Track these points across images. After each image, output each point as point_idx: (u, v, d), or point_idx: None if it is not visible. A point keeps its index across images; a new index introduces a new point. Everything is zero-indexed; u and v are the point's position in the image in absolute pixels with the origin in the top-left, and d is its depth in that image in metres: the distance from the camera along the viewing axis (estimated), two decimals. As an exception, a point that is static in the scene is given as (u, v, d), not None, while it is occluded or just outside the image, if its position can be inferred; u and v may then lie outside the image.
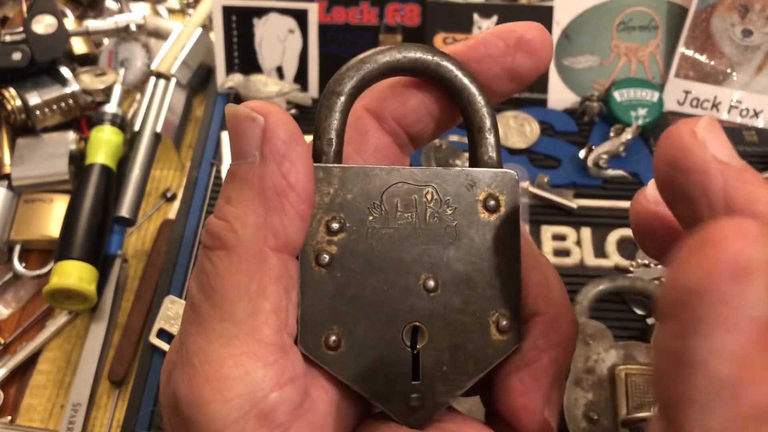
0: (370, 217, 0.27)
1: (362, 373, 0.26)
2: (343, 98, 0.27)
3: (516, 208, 0.28)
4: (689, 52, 0.77)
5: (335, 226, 0.26)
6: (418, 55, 0.27)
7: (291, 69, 0.79)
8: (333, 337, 0.26)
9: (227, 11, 0.77)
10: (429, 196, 0.27)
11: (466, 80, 0.28)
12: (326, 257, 0.26)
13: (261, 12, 0.77)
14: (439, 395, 0.27)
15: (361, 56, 0.27)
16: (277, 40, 0.78)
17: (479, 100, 0.28)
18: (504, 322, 0.27)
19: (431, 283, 0.27)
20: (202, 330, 0.23)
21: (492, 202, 0.27)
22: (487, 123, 0.28)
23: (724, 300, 0.16)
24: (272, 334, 0.23)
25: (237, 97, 0.78)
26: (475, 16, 0.78)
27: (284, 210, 0.23)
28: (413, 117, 0.28)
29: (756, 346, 0.16)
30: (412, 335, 0.26)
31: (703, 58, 0.77)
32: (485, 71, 0.27)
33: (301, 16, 0.77)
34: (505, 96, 0.29)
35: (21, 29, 0.75)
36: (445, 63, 0.27)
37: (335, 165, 0.27)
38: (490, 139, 0.28)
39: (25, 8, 0.79)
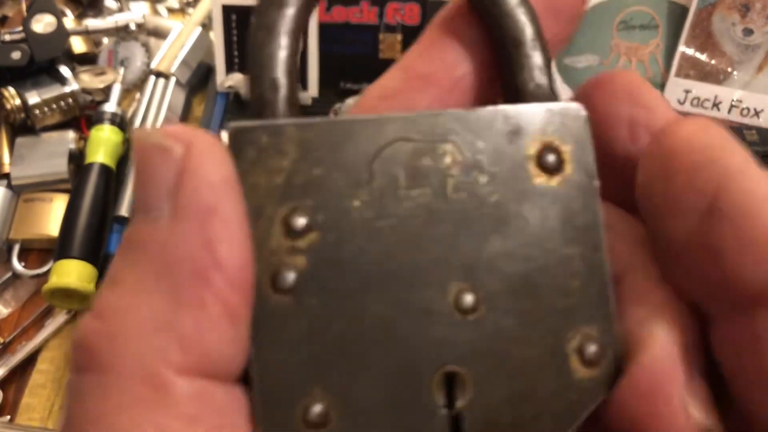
0: (356, 202, 0.17)
1: None
2: (291, 8, 0.18)
3: (590, 164, 0.18)
4: (690, 52, 0.77)
5: (299, 222, 0.16)
6: None
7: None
8: (316, 407, 0.16)
9: (227, 10, 0.77)
10: (449, 159, 0.17)
11: None
12: (290, 276, 0.16)
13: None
14: None
15: None
16: (276, 40, 0.78)
17: None
18: (592, 348, 0.17)
19: (468, 299, 0.17)
20: None
21: (551, 158, 0.18)
22: (528, 32, 0.18)
23: None
24: None
25: (237, 97, 0.78)
26: (475, 16, 0.78)
27: (203, 305, 0.14)
28: (459, 81, 0.20)
29: None
30: (446, 388, 0.17)
31: (703, 58, 0.77)
32: None
33: (300, 15, 0.77)
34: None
35: (20, 28, 0.75)
36: None
37: (288, 121, 0.17)
38: (536, 57, 0.18)
39: (24, 7, 0.79)
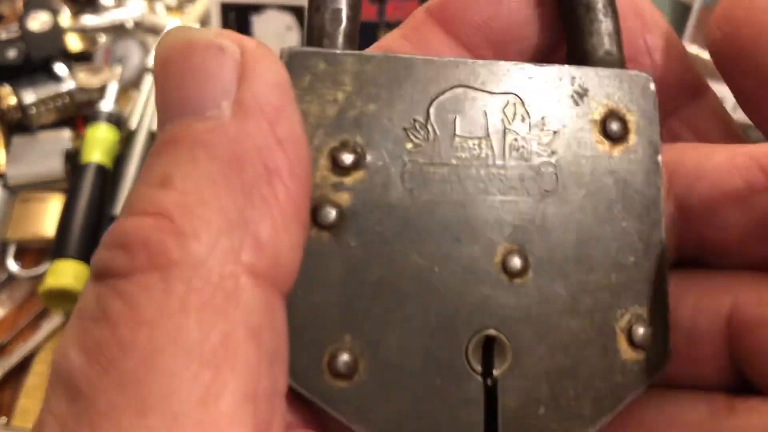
0: (409, 144, 0.16)
1: (396, 419, 0.16)
2: None
3: (655, 136, 0.18)
4: (694, 49, 0.76)
5: (348, 158, 0.16)
6: None
7: (289, 66, 0.78)
8: (344, 356, 0.15)
9: (225, 8, 0.76)
10: (510, 112, 0.17)
11: None
12: (332, 213, 0.16)
13: (259, 9, 0.76)
14: None
15: None
16: (275, 37, 0.77)
17: None
18: (641, 330, 0.16)
19: (516, 262, 0.16)
20: None
21: (615, 125, 0.17)
22: None
23: None
24: None
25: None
26: (476, 13, 0.77)
27: (278, 203, 0.14)
28: (506, 30, 0.18)
29: None
30: (484, 352, 0.16)
31: (707, 56, 0.76)
32: None
33: (299, 13, 0.76)
34: None
35: (16, 26, 0.74)
36: None
37: (347, 52, 0.16)
38: (607, 23, 0.18)
39: (20, 5, 0.79)
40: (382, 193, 0.16)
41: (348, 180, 0.16)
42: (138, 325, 0.13)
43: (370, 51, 0.17)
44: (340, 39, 0.17)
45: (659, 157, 0.17)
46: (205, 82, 0.14)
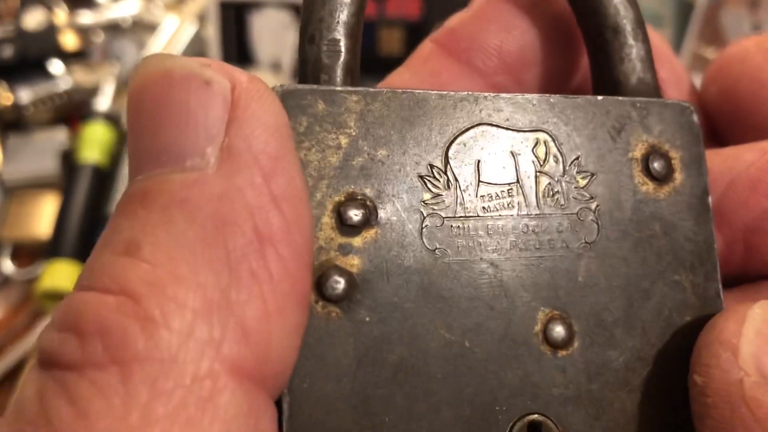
0: (427, 195, 0.14)
1: None
2: None
3: (703, 175, 0.16)
4: (698, 47, 0.76)
5: (356, 214, 0.13)
6: None
7: (289, 64, 0.78)
8: None
9: (223, 6, 0.75)
10: (541, 152, 0.15)
11: None
12: (340, 283, 0.13)
13: (257, 7, 0.76)
14: None
15: None
16: (273, 35, 0.76)
17: None
18: None
19: (559, 331, 0.14)
20: None
21: (658, 164, 0.15)
22: (630, 17, 0.16)
23: None
24: None
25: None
26: (477, 11, 0.76)
27: (270, 279, 0.11)
28: (521, 52, 0.17)
29: None
30: None
31: (711, 53, 0.76)
32: None
33: (298, 11, 0.75)
34: None
35: (12, 24, 0.74)
36: None
37: (350, 88, 0.14)
38: (639, 47, 0.16)
39: (16, 3, 0.78)
40: (399, 255, 0.13)
41: (357, 241, 0.13)
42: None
43: (376, 88, 0.14)
44: (340, 74, 0.14)
45: (709, 199, 0.15)
46: (187, 123, 0.12)
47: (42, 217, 0.70)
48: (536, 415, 0.14)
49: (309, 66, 0.15)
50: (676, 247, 0.15)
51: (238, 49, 0.77)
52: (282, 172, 0.12)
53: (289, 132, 0.13)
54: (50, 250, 0.65)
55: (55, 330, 0.11)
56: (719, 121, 0.19)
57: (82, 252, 0.65)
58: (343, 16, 0.15)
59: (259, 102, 0.12)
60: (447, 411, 0.13)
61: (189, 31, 0.81)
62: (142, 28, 0.84)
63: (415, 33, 0.75)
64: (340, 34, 0.15)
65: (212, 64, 0.12)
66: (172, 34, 0.81)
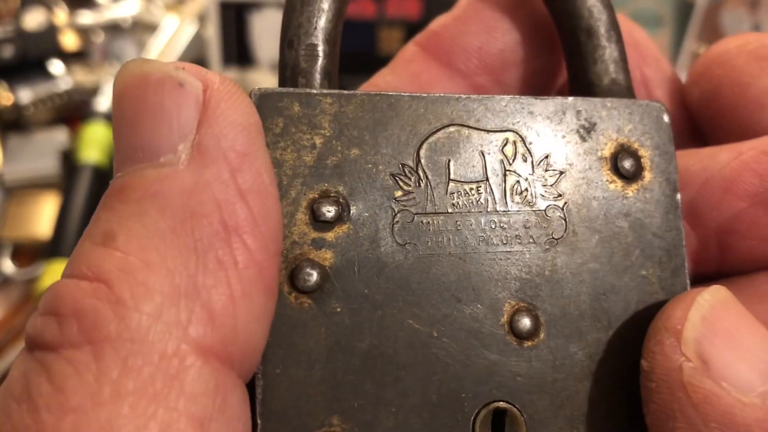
0: (398, 192, 0.15)
1: None
2: None
3: (672, 173, 0.16)
4: (697, 47, 0.76)
5: (329, 210, 0.14)
6: None
7: (288, 64, 0.78)
8: None
9: (223, 6, 0.75)
10: (509, 151, 0.15)
11: None
12: (313, 275, 0.14)
13: (257, 7, 0.76)
14: None
15: None
16: (273, 35, 0.76)
17: None
18: None
19: (525, 322, 0.15)
20: None
21: (627, 163, 0.16)
22: (604, 20, 0.16)
23: None
24: None
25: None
26: (477, 11, 0.76)
27: (235, 267, 0.12)
28: (502, 53, 0.18)
29: None
30: (494, 428, 0.14)
31: (710, 54, 0.76)
32: None
33: (298, 11, 0.76)
34: None
35: (12, 24, 0.74)
36: None
37: (325, 91, 0.15)
38: (612, 49, 0.16)
39: (16, 3, 0.78)
40: (370, 249, 0.14)
41: (330, 235, 0.14)
42: (64, 412, 0.11)
43: (352, 90, 0.15)
44: (318, 77, 0.15)
45: (678, 196, 0.16)
46: (161, 122, 0.12)
47: (42, 217, 0.70)
48: (501, 403, 0.14)
49: (288, 70, 0.15)
50: (644, 243, 0.15)
51: (238, 49, 0.77)
52: (249, 167, 0.13)
53: (259, 130, 0.13)
54: (50, 250, 0.65)
55: (38, 315, 0.12)
56: (702, 122, 0.19)
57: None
58: (320, 22, 0.15)
59: (229, 102, 0.13)
60: (414, 397, 0.14)
61: (189, 31, 0.81)
62: (142, 28, 0.84)
63: (415, 33, 0.75)
64: (317, 39, 0.15)
65: (186, 66, 0.13)
66: (172, 34, 0.81)
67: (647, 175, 0.16)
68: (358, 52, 0.73)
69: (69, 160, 0.73)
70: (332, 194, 0.14)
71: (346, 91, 0.15)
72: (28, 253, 0.70)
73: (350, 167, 0.14)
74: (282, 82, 0.15)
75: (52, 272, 0.62)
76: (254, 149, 0.13)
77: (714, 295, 0.14)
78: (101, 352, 0.11)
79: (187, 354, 0.11)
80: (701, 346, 0.13)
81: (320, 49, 0.15)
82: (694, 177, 0.17)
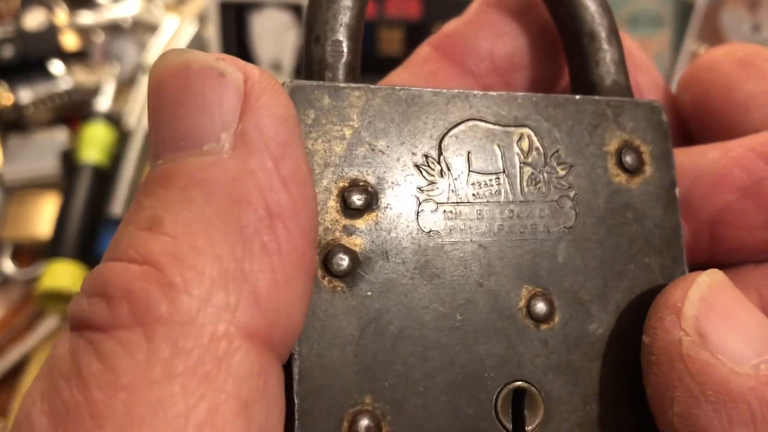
0: (422, 182, 0.15)
1: None
2: None
3: (670, 169, 0.17)
4: (697, 48, 0.76)
5: (359, 198, 0.15)
6: None
7: (289, 64, 0.78)
8: (365, 421, 0.14)
9: (223, 6, 0.75)
10: (525, 145, 0.16)
11: None
12: (345, 260, 0.14)
13: (257, 7, 0.76)
14: None
15: None
16: (273, 36, 0.76)
17: None
18: None
19: (541, 307, 0.15)
20: None
21: (630, 157, 0.17)
22: (605, 25, 0.18)
23: None
24: None
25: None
26: (477, 11, 0.76)
27: (279, 252, 0.13)
28: (511, 56, 0.19)
29: None
30: (514, 406, 0.15)
31: (710, 54, 0.76)
32: None
33: (298, 11, 0.75)
34: None
35: (12, 24, 0.74)
36: None
37: (353, 85, 0.15)
38: (613, 52, 0.18)
39: (16, 3, 0.78)
40: (397, 237, 0.15)
41: (360, 223, 0.15)
42: (115, 390, 0.11)
43: (377, 85, 0.16)
44: (342, 71, 0.16)
45: (677, 190, 0.17)
46: (203, 111, 0.13)
47: (42, 217, 0.70)
48: (521, 382, 0.15)
49: (314, 64, 0.16)
50: (647, 233, 0.17)
51: (238, 49, 0.77)
52: (289, 157, 0.13)
53: (296, 122, 0.14)
54: (50, 250, 0.65)
55: (84, 296, 0.12)
56: (692, 126, 0.20)
57: (82, 252, 0.64)
58: (345, 18, 0.16)
59: (270, 94, 0.13)
60: (440, 377, 0.14)
61: (189, 31, 0.81)
62: (142, 28, 0.84)
63: (415, 33, 0.75)
64: (342, 36, 0.16)
65: (226, 58, 0.14)
66: (173, 35, 0.81)
67: (648, 170, 0.17)
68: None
69: (69, 160, 0.73)
70: (361, 183, 0.15)
71: (372, 85, 0.16)
72: (29, 253, 0.70)
73: (377, 158, 0.15)
74: (308, 76, 0.16)
75: (52, 272, 0.62)
76: (293, 140, 0.13)
77: (712, 277, 0.15)
78: (152, 334, 0.12)
79: (235, 337, 0.12)
80: (699, 322, 0.14)
81: (345, 45, 0.16)
82: (687, 173, 0.18)
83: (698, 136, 0.20)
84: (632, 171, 0.17)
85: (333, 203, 0.15)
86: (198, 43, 0.82)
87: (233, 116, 0.13)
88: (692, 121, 0.20)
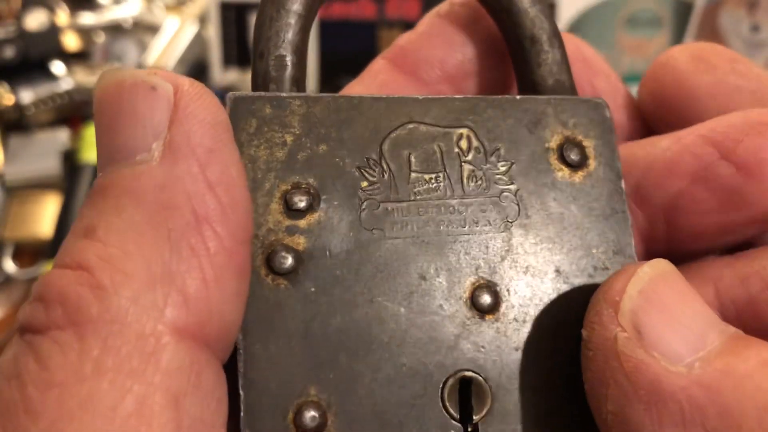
0: (364, 183, 0.16)
1: None
2: None
3: (615, 161, 0.17)
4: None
5: (301, 200, 0.15)
6: None
7: (289, 65, 0.78)
8: (310, 412, 0.14)
9: (224, 7, 0.75)
10: (464, 144, 0.16)
11: None
12: (288, 258, 0.15)
13: (257, 7, 0.76)
14: None
15: None
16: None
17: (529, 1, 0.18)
18: None
19: (486, 298, 0.16)
20: None
21: (573, 153, 0.17)
22: (546, 28, 0.18)
23: None
24: None
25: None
26: (477, 11, 0.76)
27: (207, 253, 0.13)
28: (461, 64, 0.20)
29: None
30: (461, 396, 0.15)
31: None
32: None
33: (298, 11, 0.76)
34: None
35: (13, 25, 0.74)
36: None
37: (293, 94, 0.16)
38: (554, 53, 0.18)
39: (17, 3, 0.78)
40: (340, 235, 0.15)
41: (302, 223, 0.15)
42: (48, 387, 0.12)
43: (317, 94, 0.17)
44: (287, 84, 0.17)
45: (622, 182, 0.17)
46: (135, 124, 0.14)
47: (43, 217, 0.70)
48: (468, 372, 0.15)
49: (259, 78, 0.17)
50: (593, 224, 0.17)
51: (238, 49, 0.77)
52: (217, 161, 0.14)
53: (226, 128, 0.14)
54: (52, 250, 0.65)
55: (29, 302, 0.13)
56: (653, 123, 0.21)
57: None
58: (288, 35, 0.17)
59: (198, 102, 0.14)
60: (386, 368, 0.15)
61: (190, 31, 0.82)
62: (143, 28, 0.84)
63: (415, 34, 0.75)
64: (286, 51, 0.17)
65: (158, 72, 0.14)
66: (173, 35, 0.81)
67: (592, 163, 0.17)
68: (358, 52, 0.74)
69: (70, 160, 0.73)
70: (303, 186, 0.15)
71: (313, 94, 0.16)
72: (30, 253, 0.70)
73: (319, 161, 0.16)
74: (254, 88, 0.17)
75: (54, 272, 0.63)
76: (221, 145, 0.14)
77: (653, 268, 0.15)
78: (84, 333, 0.12)
79: (163, 334, 0.13)
80: (636, 317, 0.14)
81: (288, 59, 0.17)
82: (639, 162, 0.18)
83: (659, 132, 0.20)
84: (575, 165, 0.17)
85: (276, 205, 0.15)
86: (199, 43, 0.82)
87: (163, 126, 0.14)
88: (654, 119, 0.21)
